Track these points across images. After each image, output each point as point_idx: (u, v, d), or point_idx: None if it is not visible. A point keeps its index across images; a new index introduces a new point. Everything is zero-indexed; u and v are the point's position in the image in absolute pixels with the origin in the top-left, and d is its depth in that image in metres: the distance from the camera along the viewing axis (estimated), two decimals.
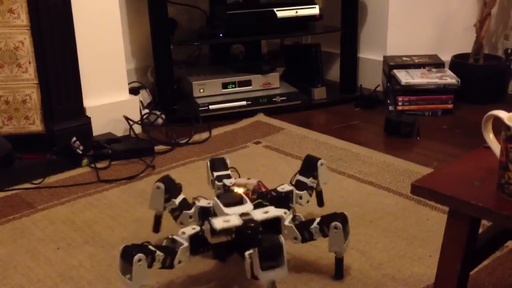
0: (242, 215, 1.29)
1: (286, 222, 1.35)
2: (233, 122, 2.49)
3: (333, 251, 1.38)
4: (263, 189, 1.49)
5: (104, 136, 2.26)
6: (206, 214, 1.40)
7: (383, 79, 2.82)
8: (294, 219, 1.39)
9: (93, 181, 1.98)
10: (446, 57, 2.76)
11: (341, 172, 1.98)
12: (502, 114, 0.95)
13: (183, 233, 1.30)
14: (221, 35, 2.61)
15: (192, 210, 1.44)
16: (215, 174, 1.57)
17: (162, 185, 1.43)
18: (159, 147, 2.23)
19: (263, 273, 1.16)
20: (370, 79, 2.87)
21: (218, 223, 1.25)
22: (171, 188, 1.44)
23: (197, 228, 1.30)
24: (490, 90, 2.70)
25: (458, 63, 2.72)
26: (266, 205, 1.40)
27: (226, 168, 1.59)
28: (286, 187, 1.50)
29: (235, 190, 1.47)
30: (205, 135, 2.35)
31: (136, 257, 1.19)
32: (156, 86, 2.62)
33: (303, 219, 1.40)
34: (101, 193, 1.89)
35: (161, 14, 2.47)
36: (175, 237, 1.30)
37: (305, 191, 1.51)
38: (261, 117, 2.55)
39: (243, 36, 2.68)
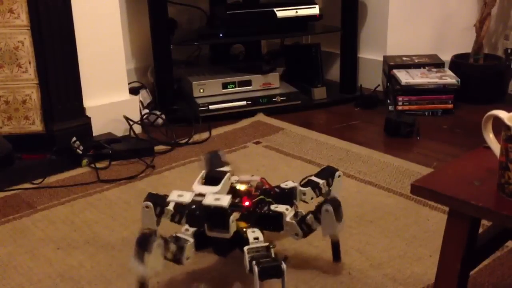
0: (198, 195, 1.27)
1: (287, 218, 1.36)
2: (233, 122, 2.49)
3: (327, 235, 1.37)
4: (267, 186, 1.49)
5: (104, 136, 2.26)
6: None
7: (383, 79, 2.82)
8: (296, 215, 1.39)
9: (93, 181, 1.98)
10: (446, 57, 2.76)
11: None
12: (502, 114, 0.95)
13: (187, 230, 1.31)
14: (221, 35, 2.61)
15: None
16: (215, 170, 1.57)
17: (150, 203, 1.39)
18: (159, 147, 2.23)
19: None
20: (370, 79, 2.87)
21: (173, 195, 1.26)
22: (158, 200, 1.41)
23: None
24: (490, 90, 2.70)
25: (458, 63, 2.72)
26: (269, 202, 1.41)
27: (222, 164, 1.57)
28: (290, 184, 1.49)
29: (237, 187, 1.46)
30: (205, 135, 2.35)
31: (156, 242, 1.20)
32: (156, 86, 2.62)
33: (304, 213, 1.39)
34: (101, 193, 1.89)
35: (161, 14, 2.47)
36: (179, 234, 1.30)
37: (309, 188, 1.49)
38: (261, 117, 2.55)
39: (243, 36, 2.68)
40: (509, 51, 2.81)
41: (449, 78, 2.55)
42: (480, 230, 1.09)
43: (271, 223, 1.39)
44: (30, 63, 2.06)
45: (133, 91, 2.57)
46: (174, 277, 1.43)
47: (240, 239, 1.31)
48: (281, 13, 2.61)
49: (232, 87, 2.63)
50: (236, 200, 1.43)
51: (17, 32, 2.03)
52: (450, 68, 2.68)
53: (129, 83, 2.49)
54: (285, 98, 2.64)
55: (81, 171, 2.06)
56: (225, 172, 1.33)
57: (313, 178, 1.53)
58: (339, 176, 1.53)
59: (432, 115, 2.56)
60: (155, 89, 2.65)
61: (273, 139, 2.30)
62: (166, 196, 1.40)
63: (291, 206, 1.41)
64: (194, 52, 2.99)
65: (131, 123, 2.32)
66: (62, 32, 2.08)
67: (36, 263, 1.51)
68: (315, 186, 1.50)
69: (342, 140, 2.27)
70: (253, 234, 1.32)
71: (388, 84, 2.69)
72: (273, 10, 2.61)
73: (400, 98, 2.56)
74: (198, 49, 2.99)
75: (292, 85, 2.72)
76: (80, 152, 2.09)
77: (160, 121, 2.48)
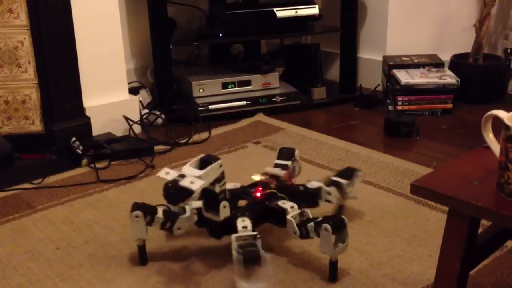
0: (179, 175, 1.30)
1: (288, 216, 1.39)
2: (233, 122, 2.49)
3: (323, 252, 1.38)
4: (288, 182, 1.52)
5: (103, 136, 2.26)
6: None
7: (382, 79, 2.82)
8: (302, 214, 1.41)
9: (92, 181, 1.98)
10: (446, 57, 2.77)
11: None
12: (501, 114, 0.95)
13: (192, 204, 1.42)
14: (220, 35, 2.61)
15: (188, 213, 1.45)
16: (275, 162, 1.63)
17: (139, 212, 1.41)
18: (158, 147, 2.23)
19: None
20: (370, 79, 2.87)
21: (161, 172, 1.32)
22: (147, 209, 1.43)
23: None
24: (490, 90, 2.70)
25: (458, 63, 2.72)
26: (281, 197, 1.46)
27: (289, 159, 1.63)
28: (315, 184, 1.53)
29: (252, 177, 1.54)
30: (204, 135, 2.35)
31: (134, 213, 1.39)
32: (156, 86, 2.62)
33: (310, 217, 1.41)
34: (100, 193, 1.89)
35: (160, 14, 2.47)
36: (185, 206, 1.42)
37: (334, 188, 1.52)
38: (260, 117, 2.55)
39: (242, 36, 2.68)
40: (509, 51, 2.81)
41: (449, 78, 2.55)
42: (480, 230, 1.09)
43: (274, 217, 1.43)
44: (29, 63, 2.06)
45: (133, 91, 2.57)
46: (174, 277, 1.43)
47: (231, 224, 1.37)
48: (281, 13, 2.61)
49: (232, 87, 2.63)
50: (252, 190, 1.49)
51: (17, 32, 2.03)
52: (450, 68, 2.69)
53: (128, 83, 2.49)
54: (284, 98, 2.64)
55: (81, 171, 2.06)
56: (216, 158, 1.34)
57: (336, 178, 1.54)
58: (359, 176, 1.57)
59: (431, 115, 2.56)
60: (154, 89, 2.65)
61: (272, 139, 2.30)
62: (153, 206, 1.44)
63: (315, 206, 1.47)
64: (193, 52, 2.99)
65: (130, 123, 2.32)
66: (62, 32, 2.08)
67: (35, 263, 1.51)
68: (339, 187, 1.51)
69: (341, 140, 2.27)
70: (242, 223, 1.37)
71: (387, 84, 2.70)
72: (273, 10, 2.61)
73: (399, 98, 2.56)
74: (197, 49, 2.99)
75: (291, 85, 2.73)
76: (80, 152, 2.09)
77: (159, 121, 2.48)
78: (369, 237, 1.58)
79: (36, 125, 2.14)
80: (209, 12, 2.86)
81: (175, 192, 1.26)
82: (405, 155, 2.12)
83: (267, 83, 2.67)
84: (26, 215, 1.76)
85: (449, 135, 2.34)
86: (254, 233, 1.34)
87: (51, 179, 1.99)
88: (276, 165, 1.62)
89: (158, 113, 2.48)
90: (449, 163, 1.17)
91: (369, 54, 2.91)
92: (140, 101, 2.53)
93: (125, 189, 1.92)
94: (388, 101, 2.66)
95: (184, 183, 1.26)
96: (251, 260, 1.23)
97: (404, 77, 2.56)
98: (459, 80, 2.53)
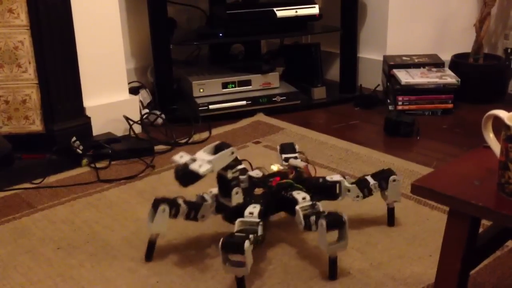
0: (191, 159, 1.35)
1: (297, 207, 1.42)
2: (233, 122, 2.49)
3: (320, 247, 1.40)
4: (306, 174, 1.57)
5: (104, 136, 2.26)
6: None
7: (383, 79, 2.82)
8: (312, 206, 1.43)
9: (93, 181, 1.98)
10: (446, 57, 2.76)
11: (341, 172, 1.98)
12: (502, 113, 0.95)
13: (211, 191, 1.50)
14: (220, 35, 2.61)
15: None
16: (283, 156, 1.69)
17: (167, 206, 1.44)
18: (159, 147, 2.23)
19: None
20: (370, 78, 2.87)
21: (176, 156, 1.37)
22: (170, 202, 1.46)
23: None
24: (490, 90, 2.70)
25: (458, 63, 2.72)
26: (297, 188, 1.50)
27: (294, 152, 1.69)
28: (335, 177, 1.56)
29: (271, 167, 1.62)
30: (205, 135, 2.35)
31: (161, 206, 1.41)
32: (156, 86, 2.62)
33: (320, 210, 1.43)
34: (101, 193, 1.89)
35: (160, 14, 2.47)
36: (204, 194, 1.50)
37: (354, 185, 1.54)
38: (260, 117, 2.55)
39: (242, 36, 2.68)
40: (509, 50, 2.81)
41: (449, 77, 2.55)
42: (480, 229, 1.09)
43: (288, 207, 1.49)
44: (30, 63, 2.06)
45: (133, 91, 2.57)
46: (174, 277, 1.43)
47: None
48: (281, 12, 2.61)
49: (232, 87, 2.62)
50: (271, 179, 1.55)
51: (17, 32, 2.03)
52: (450, 68, 2.68)
53: (129, 83, 2.49)
54: (284, 98, 2.64)
55: (81, 171, 2.06)
56: (228, 146, 1.39)
57: (367, 177, 1.56)
58: (394, 180, 1.56)
59: (432, 115, 2.56)
60: (155, 89, 2.65)
61: (273, 139, 2.30)
62: (173, 199, 1.47)
63: (333, 199, 1.52)
64: (193, 52, 2.99)
65: (131, 123, 2.32)
66: (62, 32, 2.08)
67: (36, 263, 1.51)
68: (364, 186, 1.53)
69: (342, 140, 2.27)
70: (251, 209, 1.41)
71: (388, 83, 2.69)
72: (273, 10, 2.61)
73: (400, 98, 2.56)
74: (197, 49, 2.99)
75: (292, 85, 2.72)
76: (80, 152, 2.09)
77: (160, 121, 2.48)
78: (370, 237, 1.58)
79: (36, 125, 2.14)
80: (209, 12, 2.86)
81: (183, 174, 1.32)
82: (405, 155, 2.12)
83: (267, 83, 2.67)
84: (27, 215, 1.76)
85: (449, 135, 2.34)
86: (257, 220, 1.37)
87: (52, 179, 1.99)
88: (286, 159, 1.66)
89: (158, 113, 2.48)
90: (450, 163, 1.17)
91: (369, 54, 2.91)
92: (140, 101, 2.53)
93: (126, 189, 1.92)
94: (388, 101, 2.66)
95: (193, 166, 1.32)
96: (230, 249, 1.28)
97: (404, 77, 2.56)
98: (460, 80, 2.53)
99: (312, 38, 3.08)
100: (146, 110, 2.51)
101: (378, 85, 2.82)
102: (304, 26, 2.73)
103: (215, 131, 2.39)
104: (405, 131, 2.31)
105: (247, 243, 1.27)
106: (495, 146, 1.00)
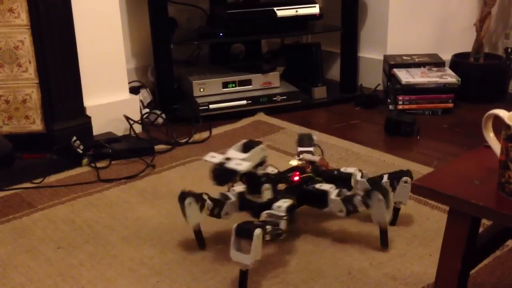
0: (226, 158, 1.37)
1: (332, 196, 1.47)
2: (233, 122, 2.49)
3: (377, 222, 1.47)
4: (323, 167, 1.60)
5: (104, 135, 2.27)
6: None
7: (383, 78, 2.82)
8: (342, 193, 1.48)
9: (93, 181, 1.98)
10: (447, 56, 2.76)
11: None
12: (502, 113, 0.95)
13: (234, 190, 1.52)
14: (221, 34, 2.61)
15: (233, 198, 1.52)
16: (299, 149, 1.70)
17: (192, 199, 1.46)
18: (159, 147, 2.23)
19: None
20: (371, 78, 2.87)
21: (207, 156, 1.39)
22: (196, 196, 1.48)
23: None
24: (491, 89, 2.70)
25: (459, 62, 2.72)
26: (317, 181, 1.53)
27: (311, 144, 1.72)
28: (349, 169, 1.60)
29: (290, 162, 1.64)
30: (205, 134, 2.35)
31: (187, 200, 1.44)
32: (156, 86, 2.62)
33: (349, 193, 1.48)
34: (101, 193, 1.89)
35: (161, 13, 2.47)
36: (227, 193, 1.52)
37: (364, 180, 1.56)
38: (261, 116, 2.55)
39: (243, 35, 2.68)
40: (509, 50, 2.81)
41: (449, 77, 2.55)
42: (480, 229, 1.09)
43: (312, 200, 1.52)
44: (30, 62, 2.06)
45: (133, 90, 2.57)
46: (174, 277, 1.43)
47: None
48: (281, 12, 2.61)
49: (232, 87, 2.63)
50: (290, 174, 1.57)
51: (17, 32, 2.03)
52: (451, 67, 2.68)
53: (129, 83, 2.49)
54: (285, 97, 2.64)
55: (81, 171, 2.06)
56: (258, 143, 1.42)
57: (384, 174, 1.59)
58: (405, 182, 1.55)
59: (432, 114, 2.56)
60: (155, 88, 2.65)
61: (273, 139, 2.30)
62: (200, 193, 1.49)
63: (349, 189, 1.54)
64: (194, 51, 2.99)
65: (131, 122, 2.32)
66: (62, 31, 2.08)
67: (36, 263, 1.51)
68: (375, 182, 1.52)
69: (342, 140, 2.27)
70: (282, 203, 1.44)
71: (388, 83, 2.69)
72: (273, 10, 2.61)
73: (400, 97, 2.56)
74: (198, 49, 2.99)
75: (292, 85, 2.72)
76: (81, 152, 2.09)
77: (160, 120, 2.48)
78: (370, 237, 1.57)
79: (36, 125, 2.14)
80: (210, 11, 2.86)
81: (221, 173, 1.34)
82: (405, 154, 2.12)
83: (268, 82, 2.67)
84: (27, 215, 1.76)
85: (449, 135, 2.34)
86: (282, 214, 1.41)
87: (52, 179, 2.00)
88: (300, 152, 1.67)
89: (158, 112, 2.48)
90: (450, 162, 1.17)
91: (370, 54, 2.91)
92: (141, 101, 2.53)
93: (126, 189, 1.92)
94: (388, 100, 2.65)
95: (230, 165, 1.34)
96: (241, 233, 1.29)
97: (404, 76, 2.56)
98: (460, 79, 2.53)
99: (312, 37, 3.08)
100: (147, 110, 2.51)
101: (379, 84, 2.82)
102: (305, 25, 2.73)
103: (216, 131, 2.38)
104: (406, 131, 2.31)
105: (257, 231, 1.28)
106: (496, 145, 1.00)
